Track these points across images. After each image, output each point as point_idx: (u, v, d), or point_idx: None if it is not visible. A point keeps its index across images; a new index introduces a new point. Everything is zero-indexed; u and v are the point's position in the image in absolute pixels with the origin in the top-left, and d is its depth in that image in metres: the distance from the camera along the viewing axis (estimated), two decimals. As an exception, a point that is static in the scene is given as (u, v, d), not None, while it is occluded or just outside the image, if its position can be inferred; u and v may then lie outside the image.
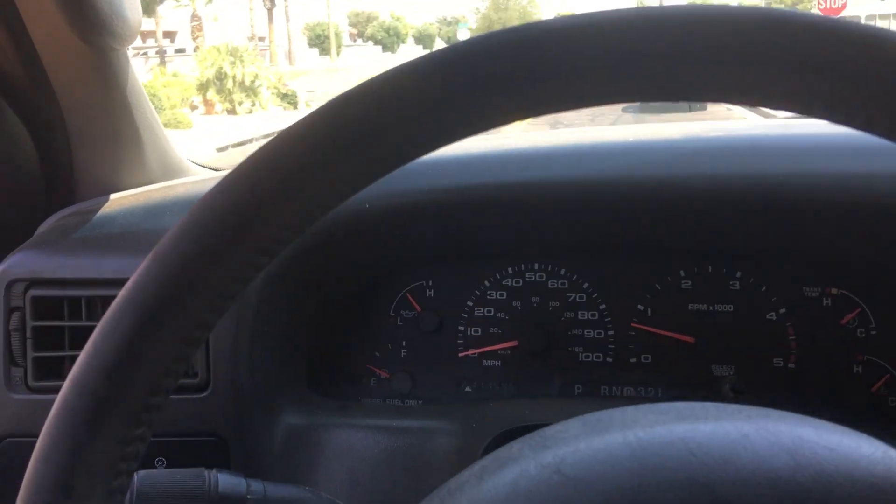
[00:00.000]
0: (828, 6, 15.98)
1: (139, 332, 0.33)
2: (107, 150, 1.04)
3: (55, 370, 0.86)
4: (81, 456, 0.32)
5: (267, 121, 16.60)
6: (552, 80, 0.31)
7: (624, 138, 0.92)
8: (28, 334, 0.85)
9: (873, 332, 0.89)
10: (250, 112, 19.47)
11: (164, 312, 0.33)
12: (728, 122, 0.99)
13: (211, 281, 0.33)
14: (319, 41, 55.31)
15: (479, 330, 0.98)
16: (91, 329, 0.79)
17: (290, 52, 47.84)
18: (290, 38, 50.56)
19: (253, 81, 19.41)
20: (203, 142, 11.96)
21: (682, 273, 0.93)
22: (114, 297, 0.78)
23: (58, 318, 0.86)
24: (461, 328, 0.98)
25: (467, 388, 0.98)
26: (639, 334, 0.94)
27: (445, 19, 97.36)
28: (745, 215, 0.85)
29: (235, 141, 12.28)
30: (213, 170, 1.25)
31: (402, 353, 0.99)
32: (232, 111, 19.11)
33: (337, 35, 57.47)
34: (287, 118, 17.43)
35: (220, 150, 11.18)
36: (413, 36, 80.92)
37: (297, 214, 0.33)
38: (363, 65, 47.35)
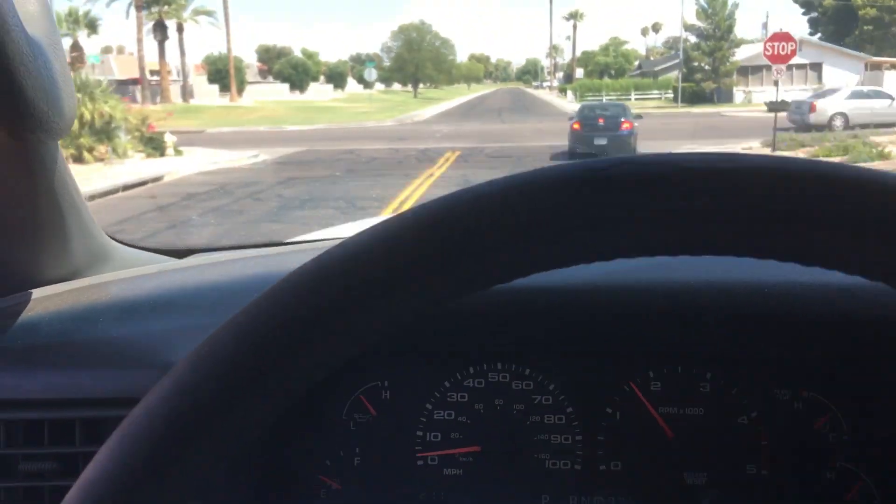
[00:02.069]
0: (775, 52, 14.06)
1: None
2: (26, 241, 0.92)
3: None
4: None
5: (121, 173, 13.52)
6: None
7: None
8: None
9: (845, 438, 0.88)
10: (103, 160, 16.09)
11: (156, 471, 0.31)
12: None
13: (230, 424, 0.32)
14: (220, 77, 51.82)
15: (440, 435, 0.91)
16: (9, 459, 0.77)
17: (184, 88, 44.49)
18: (185, 73, 47.19)
19: (108, 123, 16.12)
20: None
21: (651, 374, 0.90)
22: (39, 420, 0.77)
23: None
24: (420, 433, 0.92)
25: (426, 501, 0.91)
26: (608, 439, 0.89)
27: (360, 57, 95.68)
28: (714, 320, 0.85)
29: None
30: (140, 248, 1.16)
31: (356, 462, 0.92)
32: (79, 159, 15.70)
33: (240, 71, 54.26)
34: (148, 167, 14.32)
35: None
36: (325, 74, 78.37)
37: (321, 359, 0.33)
38: (266, 103, 44.65)
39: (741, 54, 40.35)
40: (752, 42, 45.93)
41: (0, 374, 0.79)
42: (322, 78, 76.78)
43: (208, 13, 48.44)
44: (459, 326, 0.87)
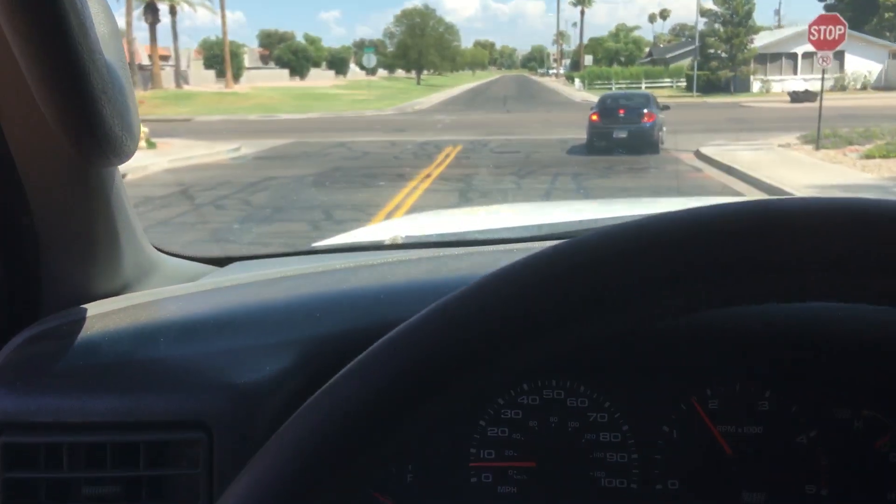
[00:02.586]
0: (822, 37, 12.33)
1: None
2: (82, 257, 0.93)
3: None
4: None
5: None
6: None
7: None
8: None
9: None
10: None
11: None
12: None
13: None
14: (217, 62, 50.04)
15: (493, 452, 0.90)
16: (72, 482, 0.77)
17: (177, 74, 42.80)
18: (179, 58, 45.48)
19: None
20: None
21: (708, 392, 0.88)
22: (103, 443, 0.76)
23: (31, 467, 0.77)
24: (473, 450, 0.90)
25: None
26: (665, 457, 0.88)
27: (363, 43, 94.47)
28: (772, 339, 0.84)
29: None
30: (181, 257, 1.18)
31: (409, 478, 0.90)
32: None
33: (237, 56, 52.44)
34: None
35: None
36: (327, 60, 76.64)
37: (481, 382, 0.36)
38: (262, 89, 42.94)
39: (758, 42, 38.52)
40: (768, 29, 44.08)
41: (63, 396, 0.78)
42: (324, 64, 75.06)
43: (203, -5, 46.67)
44: None
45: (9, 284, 0.90)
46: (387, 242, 1.52)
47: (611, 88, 47.45)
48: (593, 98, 39.21)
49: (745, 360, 0.87)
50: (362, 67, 74.67)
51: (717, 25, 38.37)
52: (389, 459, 0.36)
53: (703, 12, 39.49)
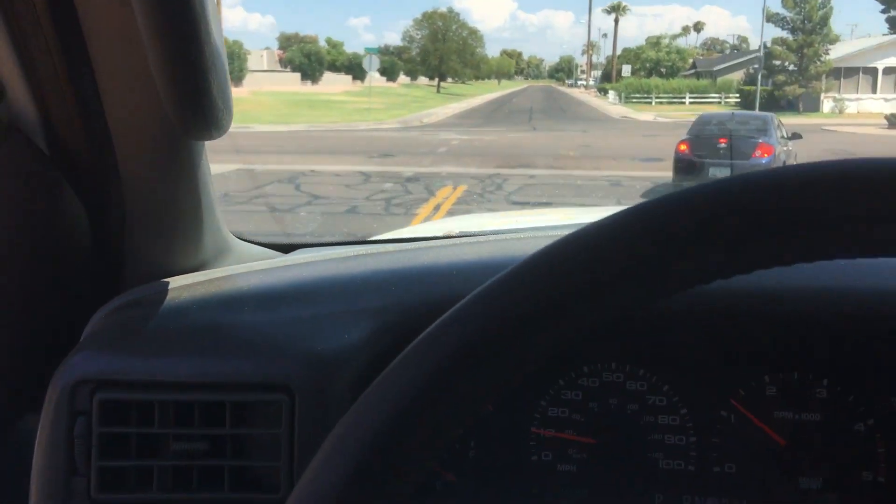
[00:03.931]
0: None
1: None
2: (164, 231, 0.96)
3: (119, 481, 0.81)
4: None
5: None
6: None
7: None
8: (94, 441, 0.80)
9: None
10: None
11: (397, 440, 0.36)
12: None
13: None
14: (218, 63, 45.15)
15: (553, 431, 0.93)
16: (161, 438, 0.81)
17: (164, 74, 37.98)
18: (166, 57, 40.62)
19: None
20: None
21: (766, 379, 0.90)
22: (190, 402, 0.81)
23: (123, 423, 0.81)
24: (534, 429, 0.93)
25: (541, 495, 0.93)
26: (722, 441, 0.90)
27: (388, 48, 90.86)
28: (830, 326, 0.86)
29: None
30: (250, 242, 1.21)
31: (471, 454, 0.94)
32: None
33: (239, 57, 47.72)
34: None
35: None
36: (345, 65, 72.27)
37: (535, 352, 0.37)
38: (260, 94, 38.31)
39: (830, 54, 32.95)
40: (841, 40, 38.42)
41: (154, 357, 0.82)
42: (344, 69, 70.68)
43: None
44: None
45: (96, 254, 0.91)
46: (441, 236, 1.50)
47: (651, 102, 42.03)
48: (632, 113, 33.79)
49: (802, 348, 0.88)
50: (383, 73, 70.25)
51: (785, 33, 32.80)
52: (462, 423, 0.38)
53: (770, 17, 33.91)
